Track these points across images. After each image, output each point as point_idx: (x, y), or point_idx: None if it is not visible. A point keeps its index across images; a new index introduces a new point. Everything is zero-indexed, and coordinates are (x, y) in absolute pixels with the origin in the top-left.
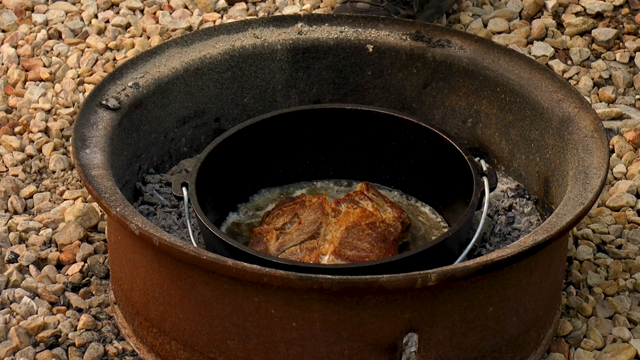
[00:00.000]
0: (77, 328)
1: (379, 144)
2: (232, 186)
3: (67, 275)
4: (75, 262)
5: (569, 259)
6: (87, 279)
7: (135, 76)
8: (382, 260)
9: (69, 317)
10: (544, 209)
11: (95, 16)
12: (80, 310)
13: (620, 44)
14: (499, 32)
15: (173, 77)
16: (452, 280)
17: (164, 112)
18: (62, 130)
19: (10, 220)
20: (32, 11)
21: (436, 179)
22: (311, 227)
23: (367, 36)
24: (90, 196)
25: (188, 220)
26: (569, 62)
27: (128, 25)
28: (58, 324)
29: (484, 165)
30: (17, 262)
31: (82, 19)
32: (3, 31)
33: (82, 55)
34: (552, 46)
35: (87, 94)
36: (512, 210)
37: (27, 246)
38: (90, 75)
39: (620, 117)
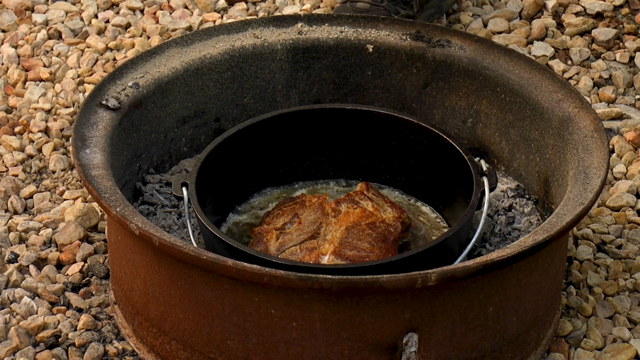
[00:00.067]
0: (77, 328)
1: (379, 144)
2: (232, 186)
3: (67, 275)
4: (75, 262)
5: (569, 259)
6: (87, 279)
7: (135, 76)
8: (382, 260)
9: (69, 317)
10: (544, 209)
11: (95, 16)
12: (80, 310)
13: (620, 44)
14: (499, 32)
15: (173, 77)
16: (452, 280)
17: (164, 112)
18: (62, 130)
19: (10, 220)
20: (32, 11)
21: (436, 179)
22: (311, 227)
23: (367, 36)
24: (90, 196)
25: (188, 220)
26: (569, 62)
27: (128, 25)
28: (58, 324)
29: (484, 165)
30: (17, 262)
31: (82, 19)
32: (3, 31)
33: (82, 55)
34: (552, 46)
35: (87, 94)
36: (512, 210)
37: (27, 246)
38: (90, 75)
39: (620, 117)
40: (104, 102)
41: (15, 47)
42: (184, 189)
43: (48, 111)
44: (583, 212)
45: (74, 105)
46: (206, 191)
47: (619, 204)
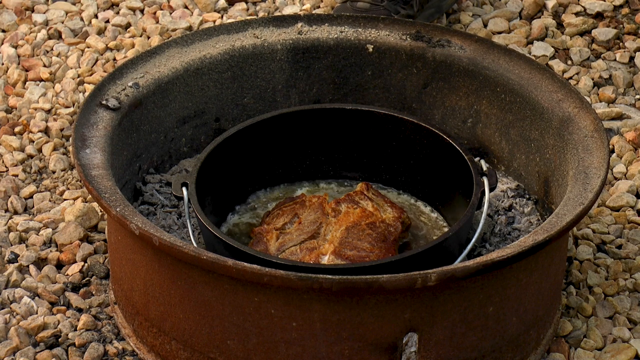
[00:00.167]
0: (77, 328)
1: (379, 144)
2: (232, 186)
3: (67, 275)
4: (75, 262)
5: (569, 259)
6: (87, 279)
7: (135, 76)
8: (382, 260)
9: (69, 317)
10: (544, 209)
11: (95, 16)
12: (80, 310)
13: (620, 44)
14: (499, 32)
15: (173, 77)
16: (452, 280)
17: (164, 112)
18: (62, 130)
19: (10, 220)
20: (32, 11)
21: (436, 179)
22: (311, 227)
23: (367, 36)
24: (90, 196)
25: (188, 220)
26: (569, 62)
27: (128, 25)
28: (58, 324)
29: (484, 165)
30: (17, 262)
31: (82, 19)
32: (3, 31)
33: (82, 55)
34: (552, 46)
35: (87, 94)
36: (512, 210)
37: (27, 246)
38: (90, 75)
39: (620, 117)
40: (104, 102)
41: (15, 47)
42: (184, 189)
43: (48, 111)
44: (583, 212)
45: (74, 105)
46: (206, 191)
47: (619, 204)
